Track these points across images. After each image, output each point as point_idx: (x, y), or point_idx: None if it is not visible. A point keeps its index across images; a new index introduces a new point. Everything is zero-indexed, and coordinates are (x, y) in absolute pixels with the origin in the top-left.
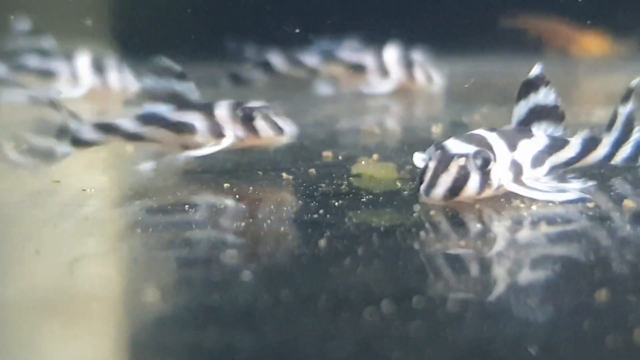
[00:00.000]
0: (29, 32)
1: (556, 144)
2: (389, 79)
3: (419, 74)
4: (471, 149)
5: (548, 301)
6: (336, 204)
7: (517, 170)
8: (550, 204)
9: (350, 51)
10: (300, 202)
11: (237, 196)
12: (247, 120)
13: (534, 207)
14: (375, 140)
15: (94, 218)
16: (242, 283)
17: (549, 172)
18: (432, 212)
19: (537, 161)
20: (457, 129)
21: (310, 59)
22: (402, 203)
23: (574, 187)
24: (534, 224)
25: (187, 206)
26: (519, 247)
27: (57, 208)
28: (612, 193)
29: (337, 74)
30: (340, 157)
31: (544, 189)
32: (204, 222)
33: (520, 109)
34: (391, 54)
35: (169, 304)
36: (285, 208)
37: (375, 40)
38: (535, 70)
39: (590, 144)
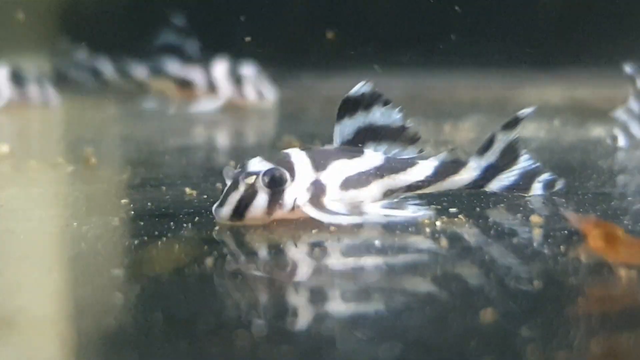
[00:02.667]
0: None
1: (394, 166)
2: (218, 95)
3: (249, 91)
4: (267, 167)
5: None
6: None
7: (318, 191)
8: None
9: (180, 65)
10: (198, 218)
11: (132, 212)
12: None
13: (332, 229)
14: None
15: None
16: (113, 305)
17: (388, 195)
18: (227, 233)
19: (355, 183)
20: None
21: (140, 71)
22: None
23: (390, 213)
24: (321, 247)
25: (75, 223)
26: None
27: None
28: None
29: (166, 89)
30: None
31: (339, 212)
32: (94, 240)
33: (345, 128)
34: (220, 69)
35: (32, 329)
36: (183, 225)
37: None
38: (359, 87)
39: (448, 167)
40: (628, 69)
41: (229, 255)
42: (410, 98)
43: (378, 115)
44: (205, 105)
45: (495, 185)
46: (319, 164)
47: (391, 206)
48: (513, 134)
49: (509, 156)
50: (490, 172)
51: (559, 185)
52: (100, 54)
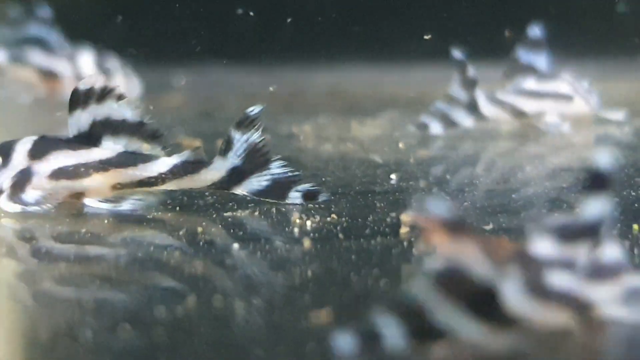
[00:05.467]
0: None
1: (123, 160)
2: None
3: (116, 83)
4: None
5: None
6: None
7: (23, 179)
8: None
9: (44, 55)
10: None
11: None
12: None
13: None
14: None
15: None
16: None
17: (118, 188)
18: None
19: (71, 173)
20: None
21: None
22: None
23: (104, 206)
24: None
25: None
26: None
27: None
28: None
29: (27, 79)
30: None
31: (31, 202)
32: None
33: (79, 120)
34: (86, 60)
35: None
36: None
37: None
38: (88, 82)
39: (187, 166)
40: (458, 54)
41: None
42: (330, 93)
43: (112, 109)
44: None
45: (245, 188)
46: (36, 153)
47: (111, 200)
48: (252, 135)
49: (256, 160)
50: (236, 175)
51: (323, 197)
52: None
